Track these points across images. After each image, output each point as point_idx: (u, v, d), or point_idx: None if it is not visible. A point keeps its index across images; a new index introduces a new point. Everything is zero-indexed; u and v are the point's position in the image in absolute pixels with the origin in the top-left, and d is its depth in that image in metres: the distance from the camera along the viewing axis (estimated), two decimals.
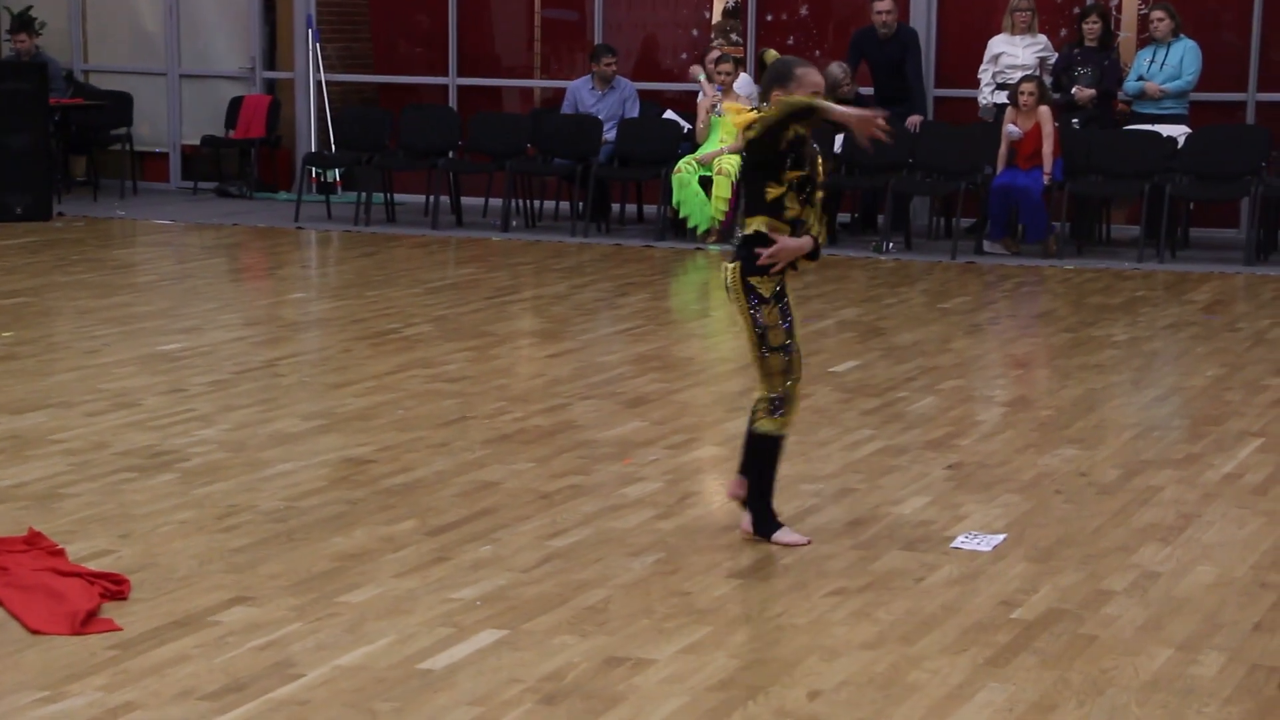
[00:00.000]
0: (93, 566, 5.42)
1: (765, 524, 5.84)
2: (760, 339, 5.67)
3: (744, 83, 14.15)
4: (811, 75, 5.64)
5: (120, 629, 4.92)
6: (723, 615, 5.15)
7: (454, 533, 5.96)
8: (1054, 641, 4.94)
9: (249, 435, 7.30)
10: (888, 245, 13.46)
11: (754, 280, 5.64)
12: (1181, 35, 13.68)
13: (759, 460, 5.80)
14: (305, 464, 6.85)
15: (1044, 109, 13.11)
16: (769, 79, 5.67)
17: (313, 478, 6.66)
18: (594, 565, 5.61)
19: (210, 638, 4.88)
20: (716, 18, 16.31)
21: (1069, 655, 4.83)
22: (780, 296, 5.66)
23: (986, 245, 13.35)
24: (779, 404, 5.73)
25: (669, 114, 14.85)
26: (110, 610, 5.06)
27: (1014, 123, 13.18)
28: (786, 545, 5.77)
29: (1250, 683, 4.65)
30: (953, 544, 5.87)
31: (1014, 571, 5.58)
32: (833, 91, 13.88)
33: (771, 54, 5.76)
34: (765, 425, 5.75)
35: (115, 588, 5.19)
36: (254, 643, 4.85)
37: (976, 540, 5.90)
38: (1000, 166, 13.24)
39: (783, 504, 6.20)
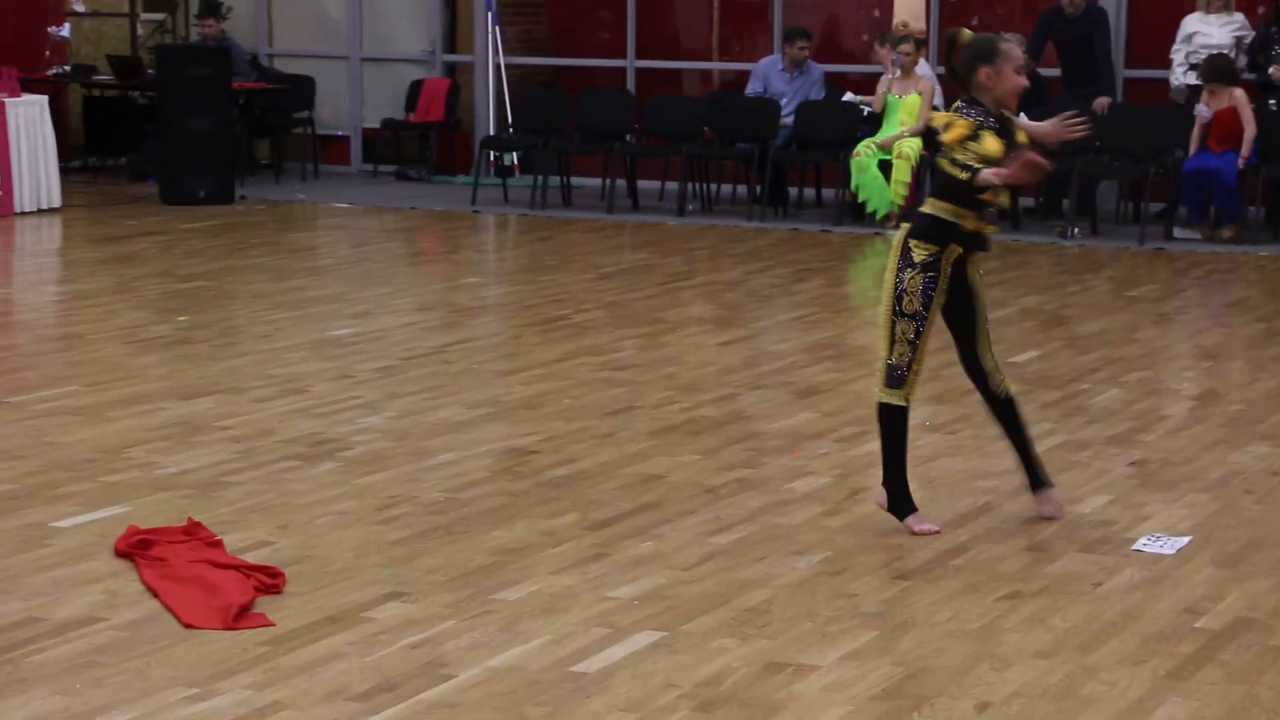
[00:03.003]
0: (250, 558, 5.37)
1: (898, 503, 5.77)
2: (896, 300, 5.65)
3: (924, 65, 13.85)
4: (1017, 51, 5.69)
5: (273, 624, 4.85)
6: (889, 619, 4.95)
7: (615, 527, 5.82)
8: (1242, 653, 4.67)
9: (413, 424, 7.23)
10: (1073, 231, 13.09)
11: (913, 242, 5.65)
12: None
13: (883, 431, 5.77)
14: (468, 454, 6.76)
15: (1238, 90, 12.65)
16: (972, 58, 5.65)
17: (475, 468, 6.57)
18: (757, 564, 5.45)
19: (363, 635, 4.79)
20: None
21: (1258, 668, 4.57)
22: (931, 268, 5.62)
23: (1177, 231, 12.92)
24: (899, 374, 5.68)
25: (849, 96, 14.59)
26: (264, 604, 5.00)
27: (1206, 103, 12.75)
28: (915, 533, 5.69)
29: None
30: (1134, 546, 5.61)
31: (1199, 577, 5.31)
32: None
33: (966, 33, 5.78)
34: (886, 395, 5.72)
35: (270, 581, 5.13)
36: (407, 640, 4.75)
37: (1160, 543, 5.63)
38: (1193, 149, 12.81)
39: (956, 500, 6.03)
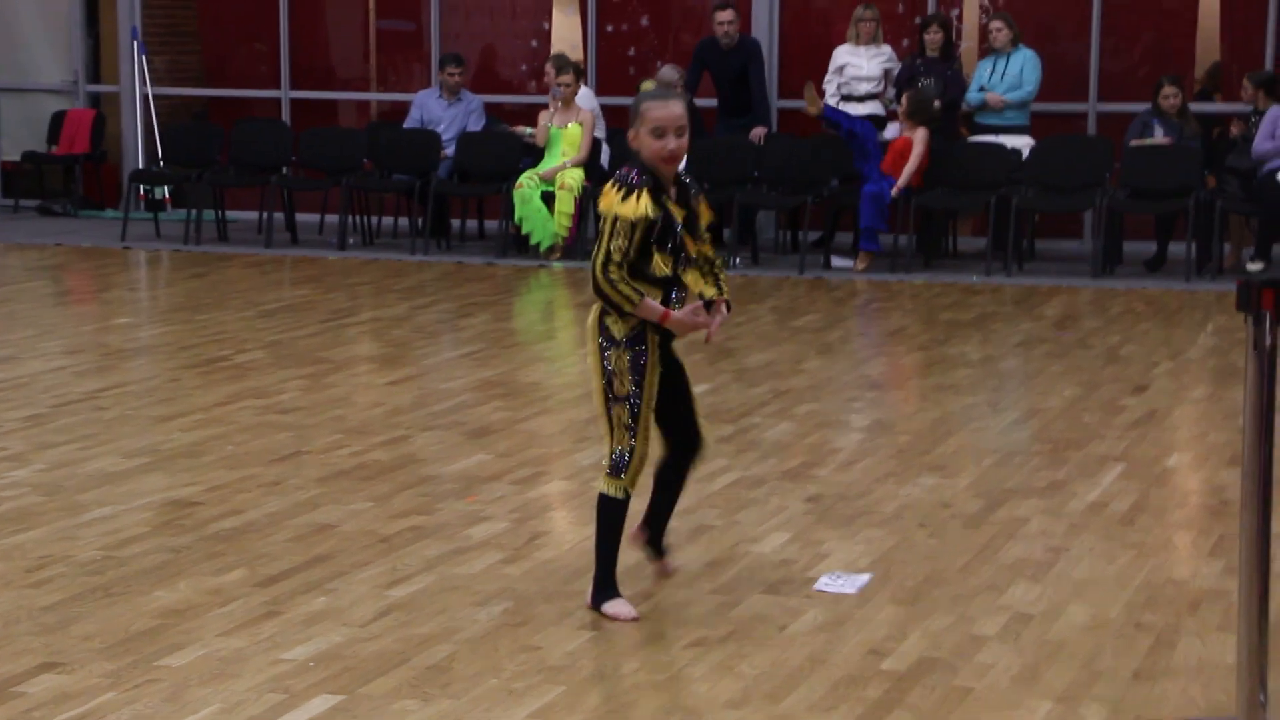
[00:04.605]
0: None
1: (600, 591, 5.26)
2: (607, 384, 5.15)
3: (585, 95, 13.84)
4: (654, 110, 5.08)
5: None
6: (575, 673, 4.80)
7: (286, 583, 5.56)
8: (927, 695, 4.65)
9: (65, 476, 6.84)
10: (735, 260, 13.22)
11: (608, 320, 5.16)
12: (1021, 45, 13.62)
13: (599, 523, 5.23)
14: (126, 507, 6.41)
15: (923, 130, 12.91)
16: (630, 118, 5.20)
17: (134, 523, 6.22)
18: (437, 617, 5.25)
19: (14, 712, 4.45)
20: (556, 30, 15.98)
21: (944, 711, 4.55)
22: (637, 341, 5.13)
23: (835, 259, 13.16)
24: (620, 464, 5.16)
25: (505, 128, 14.52)
26: None
27: (900, 124, 13.08)
28: (610, 617, 5.20)
29: None
30: (816, 586, 5.58)
31: (881, 616, 5.30)
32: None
33: (648, 85, 5.33)
34: (605, 485, 5.20)
35: None
36: (63, 716, 4.42)
37: (841, 581, 5.61)
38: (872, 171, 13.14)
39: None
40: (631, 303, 5.08)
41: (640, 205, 5.04)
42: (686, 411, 5.35)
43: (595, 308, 5.19)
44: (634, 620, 5.18)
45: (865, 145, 13.22)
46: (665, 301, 5.15)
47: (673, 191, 5.17)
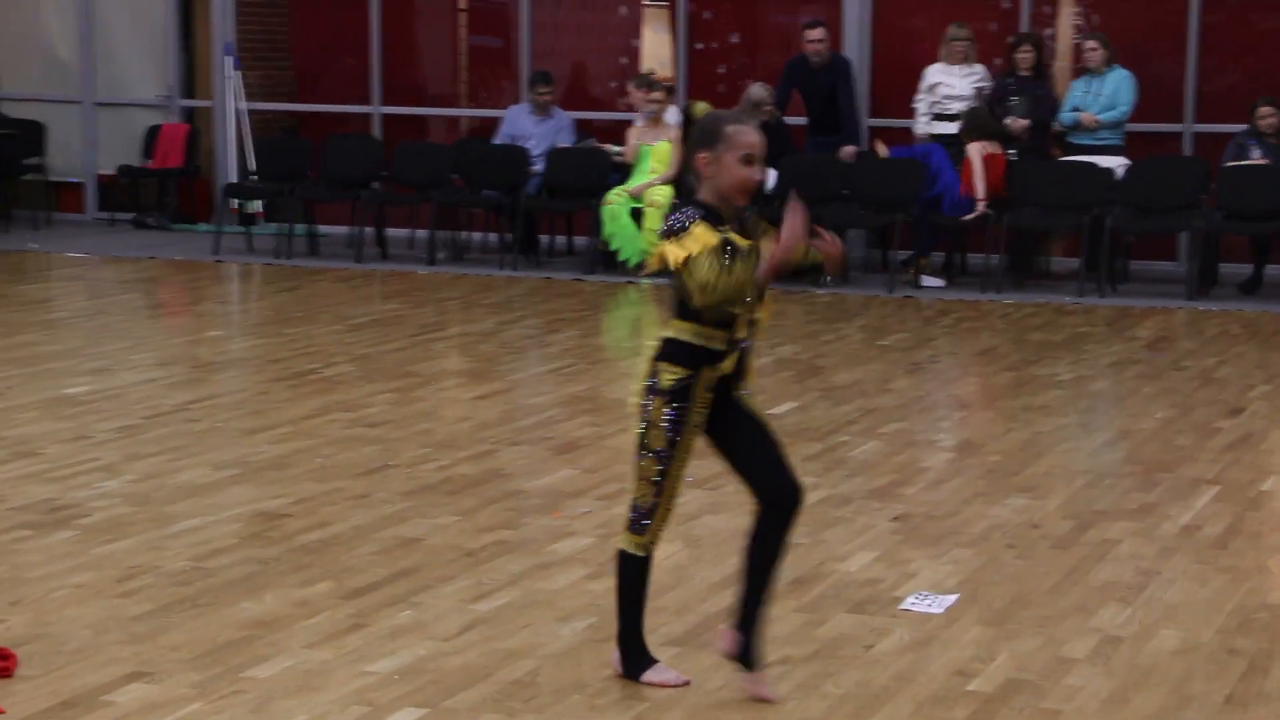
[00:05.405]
0: None
1: (632, 660, 4.85)
2: (641, 434, 4.72)
3: (674, 113, 13.84)
4: (743, 135, 4.66)
5: (2, 711, 4.51)
6: (659, 689, 4.78)
7: (372, 595, 5.58)
8: (1014, 718, 4.60)
9: (156, 487, 6.89)
10: (824, 279, 13.16)
11: (661, 365, 4.67)
12: (1116, 65, 13.49)
13: (620, 582, 4.82)
14: (215, 519, 6.45)
15: (972, 145, 12.88)
16: (696, 140, 4.71)
17: (222, 534, 6.26)
18: (521, 632, 5.25)
19: None
20: (646, 47, 15.99)
21: None
22: (680, 396, 4.65)
23: (925, 279, 13.11)
24: (642, 517, 4.75)
25: (594, 142, 14.56)
26: None
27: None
28: (658, 685, 4.78)
29: None
30: (902, 605, 5.54)
31: (968, 636, 5.24)
32: (753, 112, 13.61)
33: (701, 107, 4.82)
34: (624, 541, 4.81)
35: (1, 664, 4.78)
36: None
37: (927, 601, 5.56)
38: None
39: (722, 559, 5.86)
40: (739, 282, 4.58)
41: (703, 236, 4.58)
42: (772, 461, 4.74)
43: (650, 352, 4.74)
44: (685, 684, 4.78)
45: (940, 169, 13.15)
46: (731, 339, 4.68)
47: (735, 225, 4.71)
